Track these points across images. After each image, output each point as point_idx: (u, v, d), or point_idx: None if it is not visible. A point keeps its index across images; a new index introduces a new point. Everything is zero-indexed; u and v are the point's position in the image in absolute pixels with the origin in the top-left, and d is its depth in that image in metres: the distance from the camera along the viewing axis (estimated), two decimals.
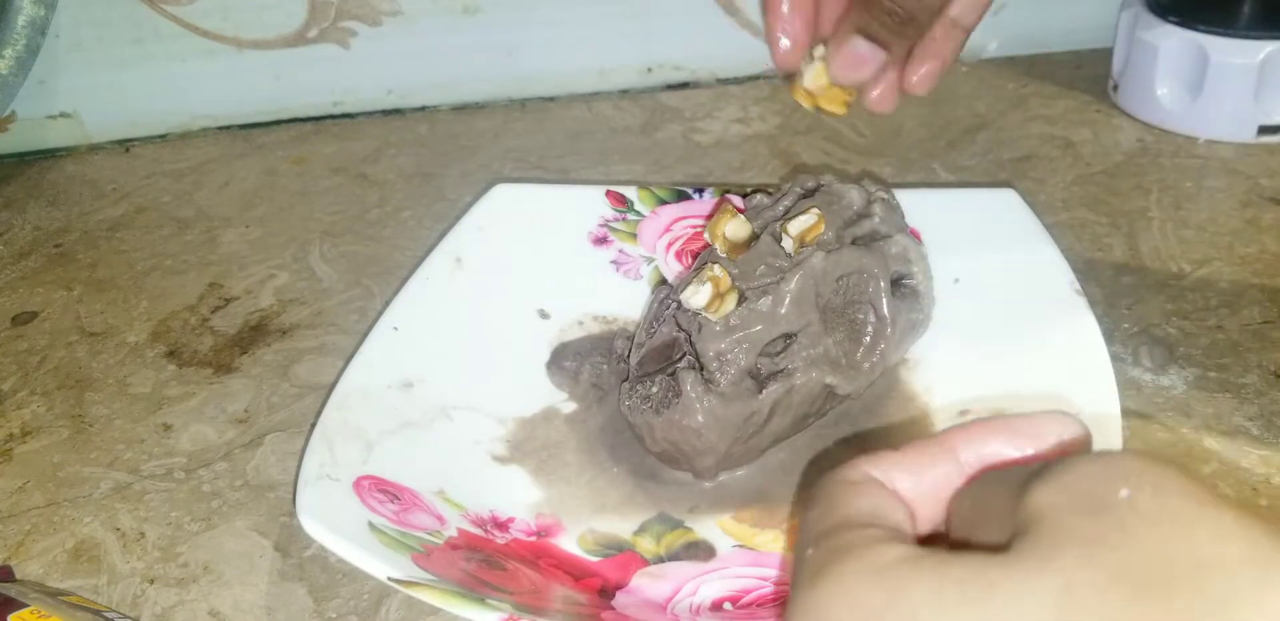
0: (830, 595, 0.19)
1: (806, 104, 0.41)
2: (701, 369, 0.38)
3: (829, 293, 0.39)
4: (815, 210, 0.39)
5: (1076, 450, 0.22)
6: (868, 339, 0.40)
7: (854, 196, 0.42)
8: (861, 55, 0.38)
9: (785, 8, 0.39)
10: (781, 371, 0.38)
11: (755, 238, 0.40)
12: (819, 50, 0.40)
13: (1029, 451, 0.22)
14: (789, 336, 0.38)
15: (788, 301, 0.38)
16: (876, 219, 0.41)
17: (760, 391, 0.38)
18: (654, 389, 0.39)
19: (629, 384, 0.40)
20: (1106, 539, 0.17)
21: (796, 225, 0.39)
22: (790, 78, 0.41)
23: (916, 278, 0.41)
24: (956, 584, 0.18)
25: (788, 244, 0.39)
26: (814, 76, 0.40)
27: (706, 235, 0.40)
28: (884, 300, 0.40)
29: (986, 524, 0.21)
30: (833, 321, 0.40)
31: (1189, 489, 0.18)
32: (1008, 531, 0.19)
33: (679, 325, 0.40)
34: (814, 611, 0.19)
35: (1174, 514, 0.18)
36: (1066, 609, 0.17)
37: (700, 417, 0.37)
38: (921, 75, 0.40)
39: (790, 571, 0.22)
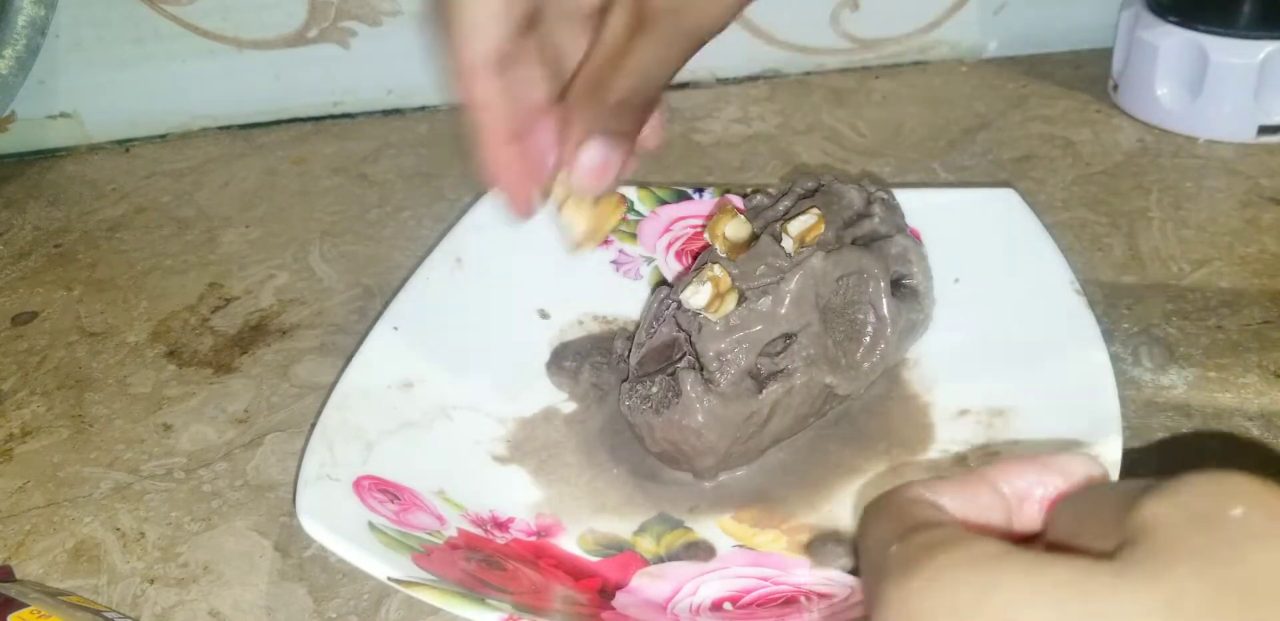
0: (924, 587, 0.19)
1: (591, 246, 0.37)
2: (701, 369, 0.38)
3: (829, 293, 0.39)
4: (815, 210, 0.39)
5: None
6: (867, 339, 0.40)
7: (854, 196, 0.42)
8: (605, 160, 0.34)
9: (500, 164, 0.35)
10: (781, 371, 0.38)
11: (755, 238, 0.40)
12: (557, 191, 0.35)
13: (1060, 487, 0.24)
14: (789, 336, 0.38)
15: (788, 301, 0.38)
16: (876, 219, 0.41)
17: (760, 391, 0.38)
18: (654, 389, 0.39)
19: (629, 384, 0.40)
20: (1218, 553, 0.18)
21: (797, 225, 0.39)
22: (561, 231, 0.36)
23: (916, 278, 0.41)
24: (1057, 585, 0.18)
25: (788, 244, 0.39)
26: (573, 218, 0.35)
27: (706, 235, 0.40)
28: (884, 300, 0.39)
29: (1088, 533, 0.21)
30: (832, 321, 0.40)
31: None
32: (1111, 542, 0.19)
33: (679, 325, 0.40)
34: (905, 603, 0.19)
35: None
36: (1173, 619, 0.17)
37: (700, 417, 0.37)
38: (650, 129, 0.36)
39: (869, 577, 0.22)
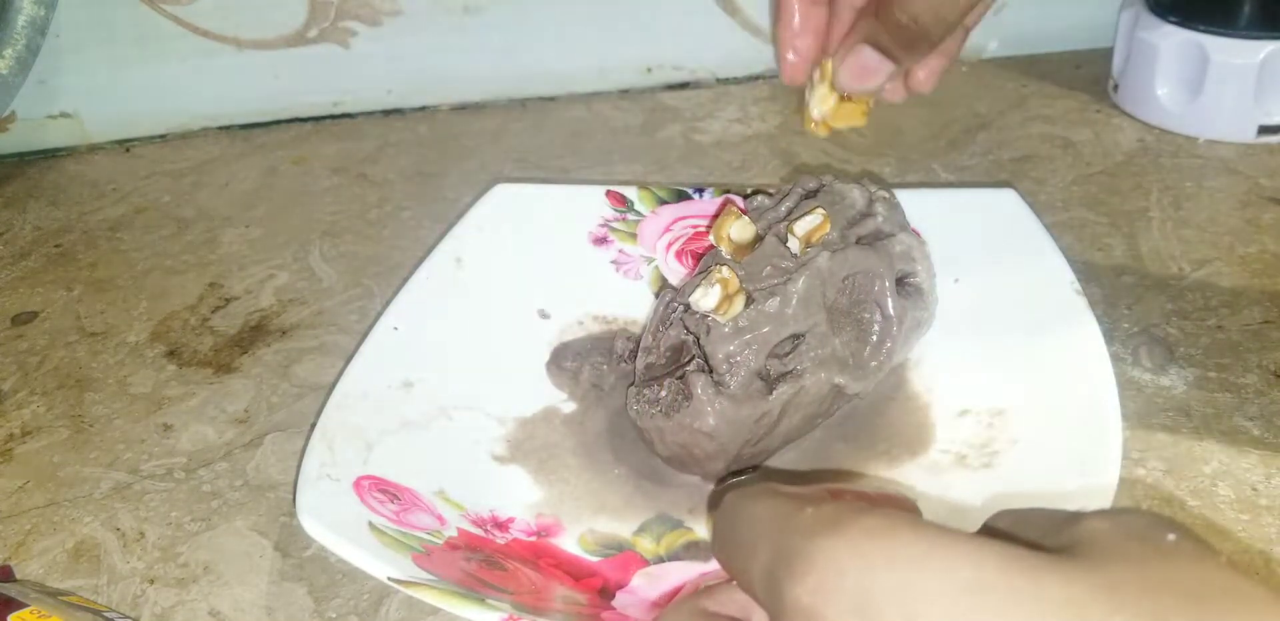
0: (859, 542, 0.19)
1: (821, 132, 0.40)
2: (711, 371, 0.38)
3: (835, 292, 0.39)
4: (820, 210, 0.39)
5: None
6: (874, 337, 0.40)
7: (856, 196, 0.42)
8: (870, 66, 0.37)
9: (796, 21, 0.39)
10: (790, 372, 0.38)
11: (760, 239, 0.40)
12: (817, 73, 0.39)
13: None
14: (797, 337, 0.38)
15: (795, 302, 0.38)
16: (880, 218, 0.41)
17: (770, 392, 0.37)
18: (662, 393, 0.39)
19: (635, 388, 0.40)
20: (1154, 562, 0.19)
21: (803, 225, 0.39)
22: (800, 108, 0.41)
23: (920, 276, 0.41)
24: (1002, 556, 0.18)
25: (793, 244, 0.39)
26: (820, 100, 0.39)
27: (711, 237, 0.40)
28: (889, 299, 0.39)
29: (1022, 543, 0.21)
30: (839, 321, 0.39)
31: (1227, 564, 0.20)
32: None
33: (686, 328, 0.39)
34: (835, 555, 0.19)
35: (1216, 563, 0.19)
36: (1114, 606, 0.18)
37: (712, 420, 0.37)
38: (927, 73, 0.40)
39: (756, 542, 0.22)
